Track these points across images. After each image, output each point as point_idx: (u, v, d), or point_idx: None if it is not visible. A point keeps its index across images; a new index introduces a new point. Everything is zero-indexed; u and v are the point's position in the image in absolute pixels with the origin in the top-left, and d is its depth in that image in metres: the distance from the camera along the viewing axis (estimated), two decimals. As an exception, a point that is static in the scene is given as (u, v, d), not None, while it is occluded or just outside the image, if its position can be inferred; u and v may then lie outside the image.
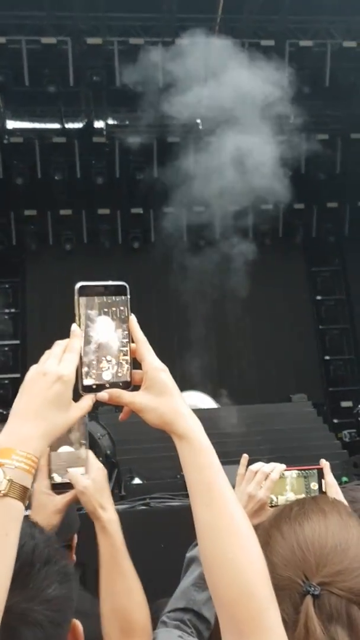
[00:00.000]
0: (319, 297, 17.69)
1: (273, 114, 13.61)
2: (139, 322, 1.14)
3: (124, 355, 1.09)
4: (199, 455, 1.06)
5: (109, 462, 6.53)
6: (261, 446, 10.75)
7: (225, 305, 15.28)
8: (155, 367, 1.10)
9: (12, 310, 15.96)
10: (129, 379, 1.10)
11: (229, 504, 1.04)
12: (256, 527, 1.37)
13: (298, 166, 15.13)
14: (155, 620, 1.63)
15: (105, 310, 1.08)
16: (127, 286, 1.12)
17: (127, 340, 1.10)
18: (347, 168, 15.36)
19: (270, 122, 14.29)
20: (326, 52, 13.24)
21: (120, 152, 15.05)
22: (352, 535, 1.19)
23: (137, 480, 7.43)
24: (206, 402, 15.30)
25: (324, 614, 1.10)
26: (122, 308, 1.10)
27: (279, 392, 15.60)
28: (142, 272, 15.18)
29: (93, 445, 6.16)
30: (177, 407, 1.09)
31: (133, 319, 1.12)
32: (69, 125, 15.25)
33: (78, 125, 15.30)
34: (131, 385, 1.10)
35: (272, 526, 1.25)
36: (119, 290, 1.11)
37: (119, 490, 6.44)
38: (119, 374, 1.09)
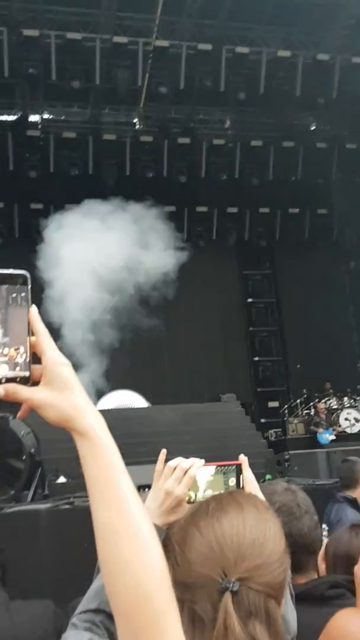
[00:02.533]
0: (250, 300, 18.03)
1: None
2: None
3: (23, 348, 1.01)
4: (98, 454, 0.99)
5: (33, 461, 6.41)
6: (190, 445, 10.84)
7: (157, 304, 15.29)
8: (55, 361, 1.02)
9: None
10: (27, 374, 1.01)
11: (128, 504, 0.98)
12: (172, 525, 1.33)
13: (232, 170, 15.39)
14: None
15: (3, 299, 1.01)
16: (28, 276, 1.04)
17: (26, 332, 1.02)
18: (279, 175, 15.68)
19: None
20: (261, 60, 13.45)
21: (55, 147, 14.82)
22: (269, 528, 1.18)
23: (62, 479, 7.32)
24: (138, 401, 15.29)
25: (243, 610, 1.08)
26: (21, 297, 1.02)
27: (210, 391, 15.76)
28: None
29: (17, 443, 6.03)
30: (77, 402, 1.01)
31: (34, 309, 1.03)
32: (2, 117, 14.89)
33: (12, 117, 14.96)
34: (30, 381, 1.01)
35: (189, 523, 1.21)
36: (18, 280, 1.03)
37: (43, 489, 6.33)
38: (17, 368, 1.01)
